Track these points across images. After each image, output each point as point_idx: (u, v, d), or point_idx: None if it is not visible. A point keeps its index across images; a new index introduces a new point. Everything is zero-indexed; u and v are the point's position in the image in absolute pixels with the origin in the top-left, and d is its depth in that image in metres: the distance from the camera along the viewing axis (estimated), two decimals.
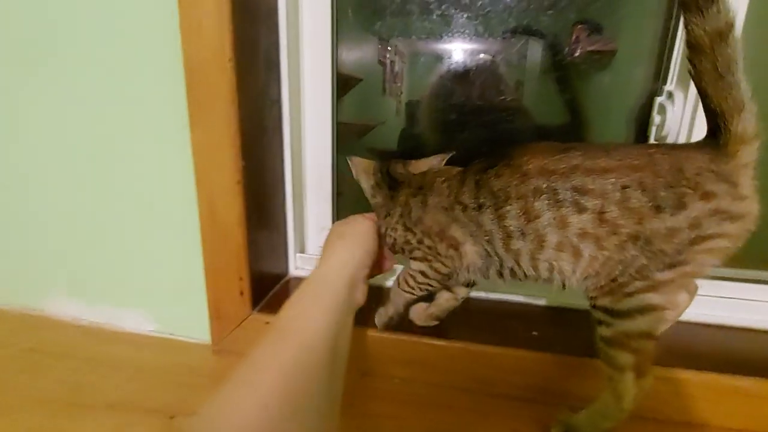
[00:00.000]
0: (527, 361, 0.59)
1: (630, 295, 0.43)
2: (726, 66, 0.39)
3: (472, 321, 0.65)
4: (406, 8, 0.73)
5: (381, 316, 0.63)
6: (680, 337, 0.60)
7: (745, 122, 0.40)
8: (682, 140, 0.61)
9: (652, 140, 0.65)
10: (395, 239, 0.58)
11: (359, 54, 0.81)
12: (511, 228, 0.46)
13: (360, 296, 0.52)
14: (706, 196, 0.40)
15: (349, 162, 0.66)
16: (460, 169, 0.56)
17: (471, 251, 0.52)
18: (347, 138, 0.87)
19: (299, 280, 0.79)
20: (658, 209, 0.41)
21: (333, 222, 0.82)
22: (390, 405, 0.59)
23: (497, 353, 0.59)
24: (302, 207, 0.80)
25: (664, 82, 0.64)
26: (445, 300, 0.63)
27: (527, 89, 0.73)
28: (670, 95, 0.62)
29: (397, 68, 0.80)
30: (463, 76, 0.74)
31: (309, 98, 0.75)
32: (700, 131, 0.60)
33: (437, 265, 0.55)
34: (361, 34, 0.79)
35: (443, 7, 0.71)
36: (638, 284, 0.43)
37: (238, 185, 0.59)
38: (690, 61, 0.41)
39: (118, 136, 0.66)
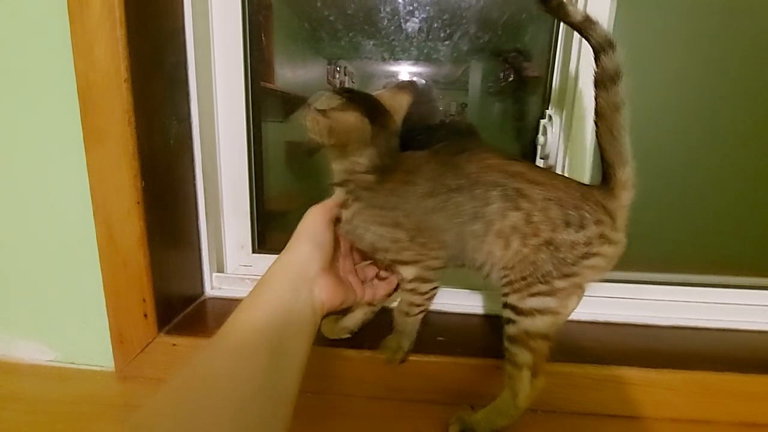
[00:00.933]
0: (434, 365, 0.62)
1: (533, 295, 0.51)
2: (618, 130, 0.50)
3: (380, 329, 0.67)
4: (353, 30, 0.76)
5: (397, 353, 0.60)
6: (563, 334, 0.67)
7: (627, 174, 0.52)
8: (560, 157, 0.69)
9: (538, 157, 0.72)
10: (380, 237, 0.52)
11: (306, 74, 0.83)
12: (476, 210, 0.52)
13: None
14: (598, 222, 0.51)
15: (315, 114, 0.50)
16: (427, 152, 0.56)
17: (450, 240, 0.54)
18: (297, 157, 0.88)
19: (217, 300, 0.78)
20: (567, 224, 0.50)
21: (252, 240, 0.82)
22: (300, 420, 0.60)
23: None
24: (219, 226, 0.79)
25: (547, 106, 0.72)
26: (362, 313, 0.64)
27: (470, 110, 0.79)
28: (550, 118, 0.70)
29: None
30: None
31: (223, 116, 0.75)
32: (574, 151, 0.68)
33: (431, 262, 0.54)
34: (308, 55, 0.81)
35: (391, 30, 0.74)
36: (541, 287, 0.51)
37: (138, 206, 0.58)
38: (595, 124, 0.52)
39: (9, 158, 0.63)
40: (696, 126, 0.77)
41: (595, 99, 0.52)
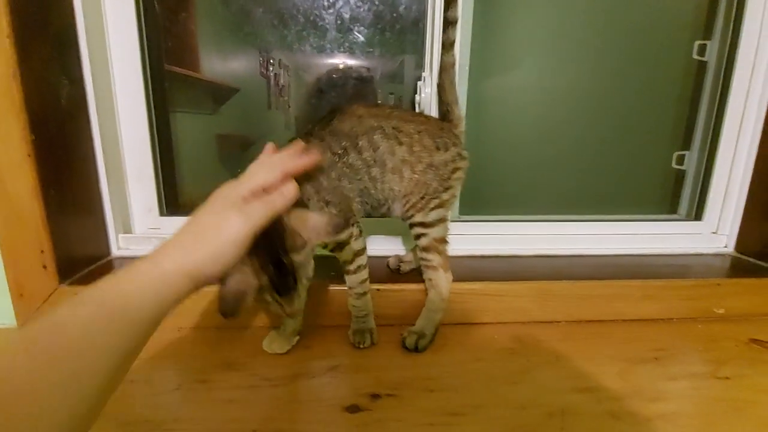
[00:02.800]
0: (335, 292, 0.71)
1: (432, 209, 0.65)
2: (452, 79, 0.71)
3: None
4: (284, 22, 0.80)
5: (373, 335, 0.66)
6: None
7: (460, 110, 0.71)
8: (434, 110, 0.80)
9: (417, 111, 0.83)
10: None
11: (237, 65, 0.84)
12: (368, 158, 0.61)
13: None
14: (455, 144, 0.67)
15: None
16: (305, 134, 0.61)
17: (356, 203, 0.62)
18: (227, 150, 0.91)
19: (125, 260, 0.81)
20: (437, 148, 0.64)
21: (159, 203, 0.86)
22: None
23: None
24: (123, 188, 0.82)
25: (423, 69, 0.83)
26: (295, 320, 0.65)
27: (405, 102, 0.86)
28: (424, 80, 0.81)
29: (282, 81, 0.83)
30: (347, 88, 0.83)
31: (120, 80, 0.78)
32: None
33: (356, 230, 0.62)
34: (238, 45, 0.83)
35: (326, 24, 0.80)
36: (435, 201, 0.65)
37: (29, 158, 0.61)
38: (439, 76, 0.72)
39: None
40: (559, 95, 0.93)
41: (441, 58, 0.70)
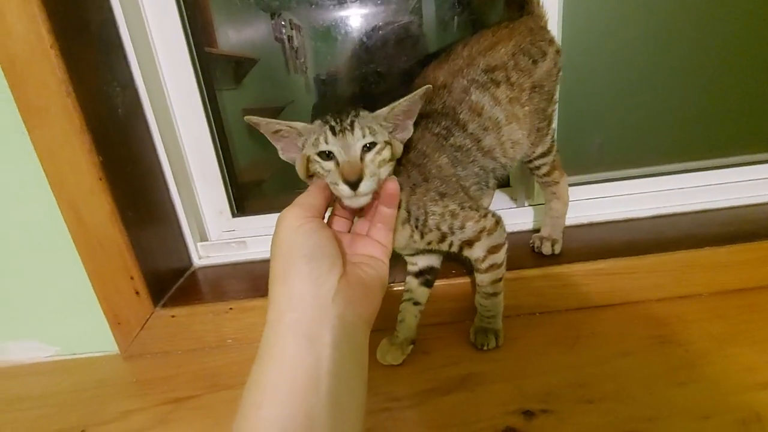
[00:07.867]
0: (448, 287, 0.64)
1: (546, 134, 0.59)
2: None
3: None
4: None
5: (498, 338, 0.57)
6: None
7: None
8: None
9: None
10: (440, 216, 0.49)
11: (251, 33, 0.76)
12: (476, 131, 0.52)
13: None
14: (551, 42, 0.57)
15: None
16: None
17: (472, 191, 0.55)
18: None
19: (208, 269, 0.76)
20: (535, 62, 0.55)
21: (230, 204, 0.80)
22: None
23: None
24: (192, 193, 0.76)
25: None
26: (414, 317, 0.59)
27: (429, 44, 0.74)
28: None
29: (296, 43, 0.76)
30: (374, 42, 0.72)
31: (169, 78, 0.70)
32: None
33: (488, 223, 0.50)
34: (249, 11, 0.74)
35: None
36: (545, 124, 0.58)
37: (101, 182, 0.55)
38: None
39: None
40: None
41: None
